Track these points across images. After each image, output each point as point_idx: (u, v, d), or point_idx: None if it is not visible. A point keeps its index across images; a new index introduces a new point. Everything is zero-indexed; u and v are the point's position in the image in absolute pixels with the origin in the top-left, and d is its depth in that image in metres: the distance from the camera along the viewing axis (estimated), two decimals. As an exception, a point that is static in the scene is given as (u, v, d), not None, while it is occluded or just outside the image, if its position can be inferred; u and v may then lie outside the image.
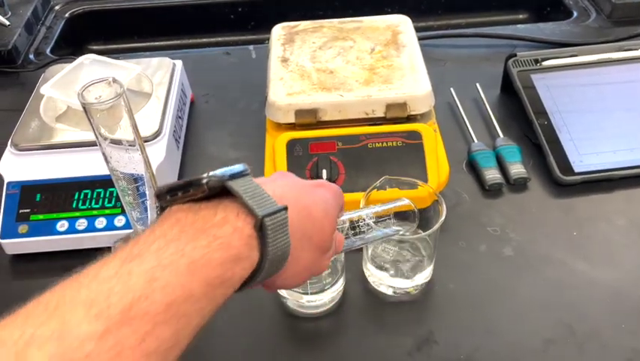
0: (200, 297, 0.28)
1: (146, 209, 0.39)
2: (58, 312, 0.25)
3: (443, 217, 0.47)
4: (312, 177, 0.57)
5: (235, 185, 0.30)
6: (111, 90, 0.38)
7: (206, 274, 0.28)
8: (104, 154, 0.40)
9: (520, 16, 1.05)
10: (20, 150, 0.60)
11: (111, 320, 0.25)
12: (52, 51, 0.89)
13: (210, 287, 0.28)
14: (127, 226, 0.56)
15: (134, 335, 0.25)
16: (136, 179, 0.43)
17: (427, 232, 0.48)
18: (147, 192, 0.44)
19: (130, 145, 0.41)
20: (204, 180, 0.30)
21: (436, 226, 0.47)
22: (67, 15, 0.97)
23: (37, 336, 0.24)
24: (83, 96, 0.37)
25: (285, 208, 0.31)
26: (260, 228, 0.30)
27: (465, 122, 0.69)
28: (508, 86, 0.72)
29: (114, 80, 0.38)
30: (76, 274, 0.27)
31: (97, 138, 0.39)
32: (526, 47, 0.83)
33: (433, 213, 0.51)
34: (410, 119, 0.61)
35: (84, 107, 0.37)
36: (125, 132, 0.40)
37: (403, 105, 0.59)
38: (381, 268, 0.52)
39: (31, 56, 0.87)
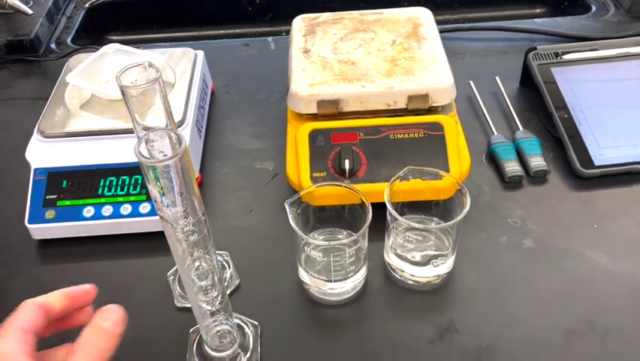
0: None
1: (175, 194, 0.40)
2: None
3: (467, 208, 0.48)
4: (334, 167, 0.57)
5: None
6: (145, 75, 0.38)
7: None
8: (139, 137, 0.41)
9: (537, 10, 1.04)
10: (46, 137, 0.61)
11: None
12: (72, 41, 0.90)
13: None
14: (152, 212, 0.56)
15: None
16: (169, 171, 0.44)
17: (450, 222, 0.49)
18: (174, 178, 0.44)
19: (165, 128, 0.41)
20: None
21: (460, 217, 0.48)
22: (87, 5, 0.98)
23: None
24: (121, 79, 0.37)
25: None
26: None
27: (485, 114, 0.69)
28: (527, 79, 0.72)
29: (150, 65, 0.39)
30: None
31: (133, 121, 0.39)
32: (545, 41, 0.83)
33: (457, 204, 0.51)
34: (431, 110, 0.61)
35: (122, 90, 0.37)
36: (157, 118, 0.40)
37: (425, 97, 0.60)
38: (403, 257, 0.52)
39: (53, 46, 0.88)
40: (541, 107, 0.68)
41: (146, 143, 0.33)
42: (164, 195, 0.34)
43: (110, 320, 0.37)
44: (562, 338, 0.49)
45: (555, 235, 0.57)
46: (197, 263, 0.41)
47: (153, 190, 0.34)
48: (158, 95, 0.39)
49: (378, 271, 0.55)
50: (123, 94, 0.37)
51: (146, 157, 0.33)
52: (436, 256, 0.52)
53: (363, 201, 0.49)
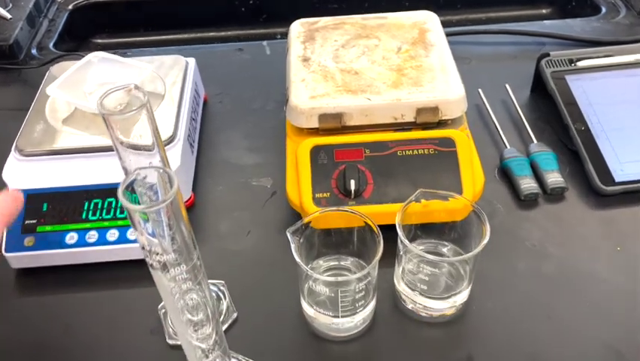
0: None
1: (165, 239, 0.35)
2: None
3: (486, 240, 0.44)
4: (338, 187, 0.53)
5: None
6: (131, 97, 0.34)
7: None
8: (121, 159, 0.36)
9: (544, 11, 1.00)
10: (25, 156, 0.56)
11: None
12: (55, 46, 0.85)
13: None
14: (141, 239, 0.52)
15: None
16: (153, 186, 0.39)
17: (468, 255, 0.45)
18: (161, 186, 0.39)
19: (149, 150, 0.37)
20: None
21: (478, 249, 0.44)
22: (70, 7, 0.93)
23: None
24: (104, 105, 0.33)
25: None
26: None
27: (496, 126, 0.65)
28: (539, 86, 0.68)
29: (136, 87, 0.34)
30: None
31: (114, 144, 0.35)
32: (555, 44, 0.79)
33: (473, 226, 0.47)
34: (441, 124, 0.57)
35: (104, 118, 0.33)
36: (144, 137, 0.36)
37: (434, 110, 0.56)
38: (415, 287, 0.48)
39: (34, 51, 0.83)
40: (555, 117, 0.64)
41: (130, 184, 0.28)
42: (153, 239, 0.29)
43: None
44: (588, 374, 0.45)
45: (576, 259, 0.53)
46: (187, 296, 0.36)
47: (140, 237, 0.29)
48: (145, 120, 0.35)
49: (387, 300, 0.51)
50: (105, 121, 0.33)
51: (131, 201, 0.29)
52: (451, 287, 0.48)
53: (373, 230, 0.45)
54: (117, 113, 0.33)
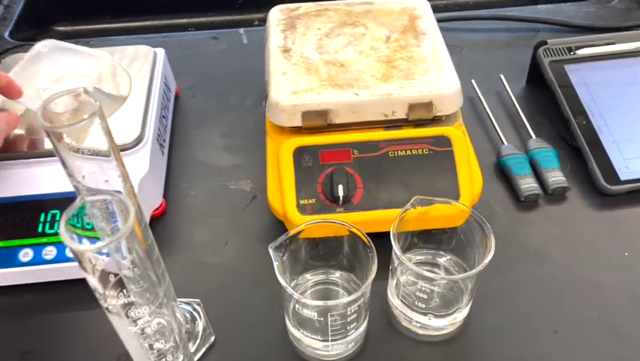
0: None
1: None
2: None
3: (491, 254, 0.39)
4: (324, 193, 0.48)
5: None
6: (80, 103, 0.29)
7: None
8: (69, 174, 0.31)
9: (534, -6, 0.96)
10: (-28, 162, 0.50)
11: None
12: (11, 34, 0.78)
13: None
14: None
15: None
16: (108, 206, 0.34)
17: (472, 272, 0.40)
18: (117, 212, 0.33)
19: (105, 160, 0.32)
20: None
21: (481, 266, 0.39)
22: (28, -8, 0.85)
23: None
24: (45, 117, 0.27)
25: None
26: None
27: (492, 120, 0.60)
28: (536, 76, 0.64)
29: (86, 92, 0.29)
30: None
31: (59, 155, 0.29)
32: (549, 31, 0.75)
33: (476, 239, 0.43)
34: (435, 120, 0.52)
35: (47, 133, 0.28)
36: (96, 142, 0.30)
37: (428, 105, 0.51)
38: (411, 304, 0.44)
39: (-13, 41, 0.76)
40: (553, 110, 0.60)
41: (77, 214, 0.23)
42: (108, 283, 0.24)
43: None
44: (599, 395, 0.41)
45: (582, 266, 0.49)
46: (152, 327, 0.31)
47: (91, 279, 0.24)
48: (99, 128, 0.30)
49: (380, 316, 0.46)
50: (49, 136, 0.27)
51: (82, 225, 0.24)
52: (451, 303, 0.44)
53: (365, 244, 0.40)
54: (63, 126, 0.27)
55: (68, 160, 0.29)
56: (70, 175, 0.30)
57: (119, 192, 0.33)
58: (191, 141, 0.61)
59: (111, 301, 0.25)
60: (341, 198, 0.47)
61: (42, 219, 0.48)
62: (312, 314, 0.39)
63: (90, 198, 0.24)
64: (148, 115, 0.54)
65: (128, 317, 0.26)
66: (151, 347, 0.31)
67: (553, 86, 0.60)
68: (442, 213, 0.45)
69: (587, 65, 0.61)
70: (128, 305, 0.25)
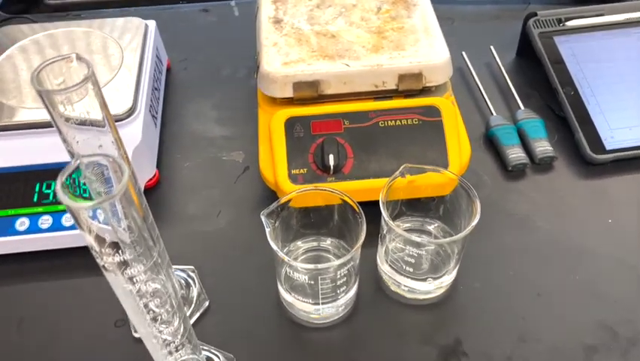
0: None
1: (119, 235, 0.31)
2: None
3: (477, 219, 0.41)
4: (315, 162, 0.49)
5: None
6: (74, 69, 0.29)
7: None
8: (63, 139, 0.32)
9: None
10: (-34, 133, 0.50)
11: None
12: (2, 7, 0.77)
13: None
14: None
15: None
16: (104, 171, 0.35)
17: (458, 236, 0.41)
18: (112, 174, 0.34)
19: (98, 126, 0.32)
20: None
21: (468, 230, 0.41)
22: (17, -36, 0.84)
23: None
24: (39, 80, 0.28)
25: None
26: None
27: (481, 91, 0.61)
28: (525, 48, 0.65)
29: (78, 57, 0.29)
30: None
31: (57, 125, 0.30)
32: (540, 2, 0.75)
33: (461, 201, 0.44)
34: (424, 91, 0.53)
35: (40, 95, 0.28)
36: (92, 113, 0.31)
37: (418, 76, 0.51)
38: (399, 269, 0.45)
39: (-24, 14, 0.75)
40: (542, 82, 0.61)
41: (72, 174, 0.24)
42: (104, 242, 0.25)
43: None
44: (582, 353, 0.43)
45: (566, 232, 0.50)
46: (147, 287, 0.32)
47: (87, 237, 0.25)
48: (92, 94, 0.30)
49: (370, 281, 0.47)
50: (42, 99, 0.28)
51: (76, 190, 0.24)
52: (438, 268, 0.45)
53: (355, 211, 0.41)
54: (57, 90, 0.28)
55: (62, 126, 0.30)
56: (64, 140, 0.31)
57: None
58: (183, 114, 0.62)
59: (107, 258, 0.26)
60: (332, 167, 0.48)
61: (37, 189, 0.48)
62: (303, 278, 0.40)
63: (85, 159, 0.24)
64: (140, 86, 0.54)
65: (123, 275, 0.27)
66: (146, 306, 0.32)
67: (542, 56, 0.60)
68: (431, 182, 0.46)
69: (577, 36, 0.62)
70: (123, 264, 0.26)
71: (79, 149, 0.31)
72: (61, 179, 0.23)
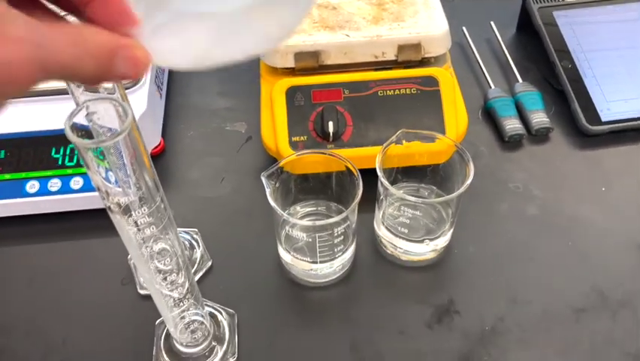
0: None
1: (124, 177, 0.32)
2: None
3: (470, 179, 0.42)
4: (315, 130, 0.50)
5: None
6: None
7: None
8: (76, 103, 0.33)
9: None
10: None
11: None
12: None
13: None
14: (107, 186, 0.49)
15: None
16: (112, 129, 0.36)
17: (451, 196, 0.43)
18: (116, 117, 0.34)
19: (109, 94, 0.34)
20: None
21: (462, 189, 0.42)
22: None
23: None
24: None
25: None
26: None
27: (480, 65, 0.62)
28: (525, 24, 0.65)
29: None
30: None
31: (68, 85, 0.31)
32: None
33: (456, 169, 0.45)
34: (423, 62, 0.54)
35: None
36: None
37: (417, 46, 0.52)
38: (395, 231, 0.46)
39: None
40: (541, 56, 0.62)
41: (79, 114, 0.25)
42: (109, 182, 0.27)
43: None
44: (571, 314, 0.44)
45: (560, 201, 0.52)
46: (152, 243, 0.34)
47: (94, 177, 0.26)
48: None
49: (367, 245, 0.49)
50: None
51: (79, 135, 0.26)
52: (432, 230, 0.46)
53: (352, 173, 0.42)
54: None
55: (75, 92, 0.31)
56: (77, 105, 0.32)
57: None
58: (188, 86, 0.63)
59: (113, 199, 0.27)
60: (331, 134, 0.50)
61: (47, 153, 0.50)
62: (301, 235, 0.42)
63: (90, 102, 0.26)
64: (146, 57, 0.56)
65: (129, 217, 0.28)
66: (152, 258, 0.33)
67: (540, 30, 0.61)
68: (427, 150, 0.48)
69: (576, 10, 0.62)
70: (129, 207, 0.28)
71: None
72: (69, 120, 0.25)
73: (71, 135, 0.24)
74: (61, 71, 0.20)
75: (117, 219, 0.29)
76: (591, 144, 0.56)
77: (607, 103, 0.57)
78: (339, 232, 0.42)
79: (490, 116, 0.59)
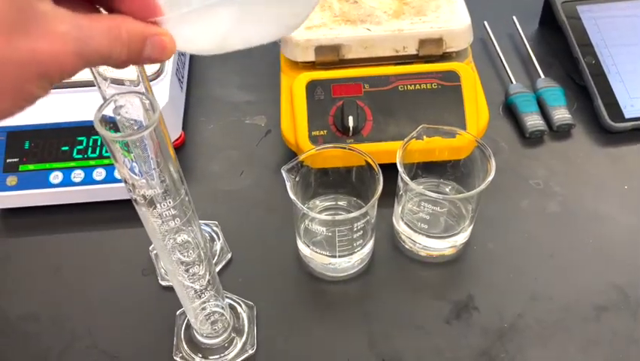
0: None
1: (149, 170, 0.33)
2: None
3: (491, 176, 0.42)
4: (335, 124, 0.50)
5: None
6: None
7: None
8: (102, 96, 0.34)
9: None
10: None
11: None
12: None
13: None
14: (129, 178, 0.50)
15: None
16: (137, 121, 0.37)
17: (471, 193, 0.42)
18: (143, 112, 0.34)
19: (134, 86, 0.34)
20: None
21: (483, 186, 0.42)
22: None
23: None
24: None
25: None
26: None
27: (502, 60, 0.61)
28: (548, 19, 0.64)
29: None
30: None
31: (95, 78, 0.32)
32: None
33: (476, 165, 0.45)
34: (445, 57, 0.54)
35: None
36: (127, 71, 0.33)
37: (438, 41, 0.52)
38: (415, 226, 0.46)
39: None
40: (564, 52, 0.61)
41: (108, 107, 0.26)
42: (135, 173, 0.27)
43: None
44: (592, 313, 0.44)
45: (582, 198, 0.51)
46: (176, 235, 0.35)
47: (121, 169, 0.27)
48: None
49: (386, 240, 0.49)
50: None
51: (107, 129, 0.26)
52: (452, 227, 0.46)
53: (372, 168, 0.42)
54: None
55: (101, 83, 0.32)
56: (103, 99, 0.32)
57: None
58: (208, 79, 0.64)
59: (139, 192, 0.28)
60: (351, 129, 0.50)
61: (71, 145, 0.51)
62: (321, 230, 0.42)
63: (118, 96, 0.26)
64: (167, 50, 0.56)
65: (154, 209, 0.29)
66: (175, 249, 0.34)
67: (564, 25, 0.60)
68: (448, 145, 0.47)
69: (600, 5, 0.61)
70: (153, 200, 0.28)
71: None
72: (98, 113, 0.25)
73: (100, 128, 0.24)
74: (99, 59, 0.23)
75: (142, 211, 0.29)
76: (613, 141, 0.55)
77: (630, 99, 0.56)
78: (359, 227, 0.42)
79: (511, 112, 0.58)
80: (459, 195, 0.47)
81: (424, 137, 0.46)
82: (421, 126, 0.45)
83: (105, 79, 0.32)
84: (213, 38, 0.25)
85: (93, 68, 0.32)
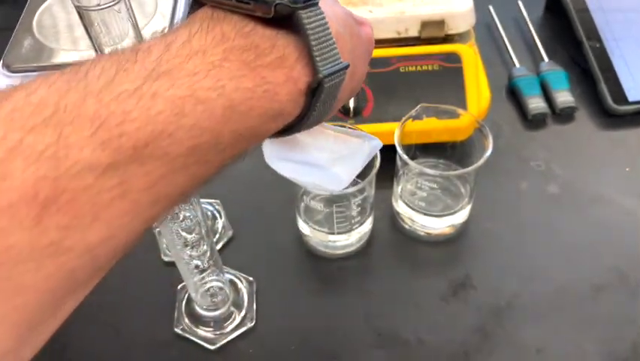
0: (225, 147, 0.22)
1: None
2: (55, 119, 0.18)
3: (489, 152, 0.42)
4: (336, 105, 0.51)
5: (307, 19, 0.23)
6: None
7: (240, 124, 0.22)
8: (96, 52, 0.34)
9: None
10: (13, 72, 0.54)
11: (121, 153, 0.19)
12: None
13: (240, 138, 0.22)
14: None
15: (146, 177, 0.19)
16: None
17: (468, 169, 0.43)
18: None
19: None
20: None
21: (480, 162, 0.42)
22: None
23: (26, 145, 0.17)
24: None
25: (347, 67, 0.24)
26: (316, 88, 0.23)
27: (505, 44, 0.61)
28: (554, 3, 0.64)
29: None
30: (79, 68, 0.20)
31: (95, 44, 0.33)
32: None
33: (475, 147, 0.45)
34: (447, 39, 0.54)
35: (79, 13, 0.31)
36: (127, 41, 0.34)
37: (440, 23, 0.52)
38: (413, 205, 0.47)
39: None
40: (569, 36, 0.61)
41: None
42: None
43: None
44: (589, 292, 0.44)
45: (582, 180, 0.51)
46: (180, 215, 0.36)
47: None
48: (126, 21, 0.33)
49: (385, 220, 0.50)
50: (81, 17, 0.31)
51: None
52: (450, 205, 0.47)
53: (370, 145, 0.43)
54: (93, 8, 0.30)
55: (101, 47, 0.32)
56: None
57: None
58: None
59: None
60: (352, 110, 0.50)
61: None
62: (320, 206, 0.43)
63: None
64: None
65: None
66: (176, 224, 0.35)
67: (569, 10, 0.60)
68: (447, 127, 0.48)
69: (606, -11, 0.61)
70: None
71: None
72: None
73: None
74: None
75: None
76: (616, 124, 0.55)
77: (634, 83, 0.56)
78: (357, 204, 0.43)
79: (514, 95, 0.58)
80: (455, 172, 0.47)
81: (424, 116, 0.46)
82: (419, 105, 0.46)
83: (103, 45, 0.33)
84: (292, 175, 0.31)
85: (95, 42, 0.32)
